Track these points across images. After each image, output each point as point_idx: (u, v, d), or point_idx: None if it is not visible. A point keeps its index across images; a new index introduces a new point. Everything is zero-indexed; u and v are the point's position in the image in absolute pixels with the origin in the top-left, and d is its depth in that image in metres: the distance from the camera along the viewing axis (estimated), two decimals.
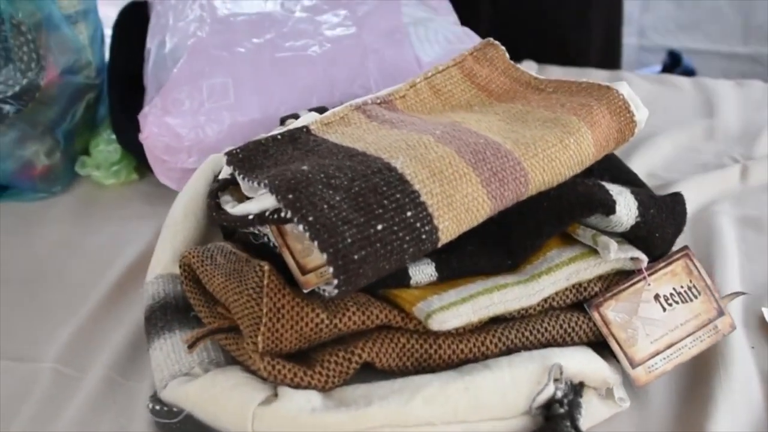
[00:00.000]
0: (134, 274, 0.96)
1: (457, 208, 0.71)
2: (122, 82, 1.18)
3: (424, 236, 0.70)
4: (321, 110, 0.95)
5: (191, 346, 0.76)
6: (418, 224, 0.69)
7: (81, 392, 0.82)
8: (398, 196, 0.70)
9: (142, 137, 1.03)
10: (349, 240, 0.67)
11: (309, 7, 1.13)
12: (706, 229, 1.02)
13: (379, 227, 0.68)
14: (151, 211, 1.08)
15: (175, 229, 0.89)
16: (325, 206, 0.69)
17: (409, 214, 0.69)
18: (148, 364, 0.84)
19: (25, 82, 1.04)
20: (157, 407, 0.76)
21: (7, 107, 1.04)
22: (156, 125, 1.03)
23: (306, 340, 0.73)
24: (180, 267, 0.83)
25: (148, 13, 1.27)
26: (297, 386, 0.72)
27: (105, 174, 1.14)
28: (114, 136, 1.15)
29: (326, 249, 0.66)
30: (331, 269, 0.66)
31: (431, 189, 0.71)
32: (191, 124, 1.03)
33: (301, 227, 0.68)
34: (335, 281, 0.67)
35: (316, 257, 0.74)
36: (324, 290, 0.73)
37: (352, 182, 0.71)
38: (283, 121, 0.96)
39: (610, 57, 1.82)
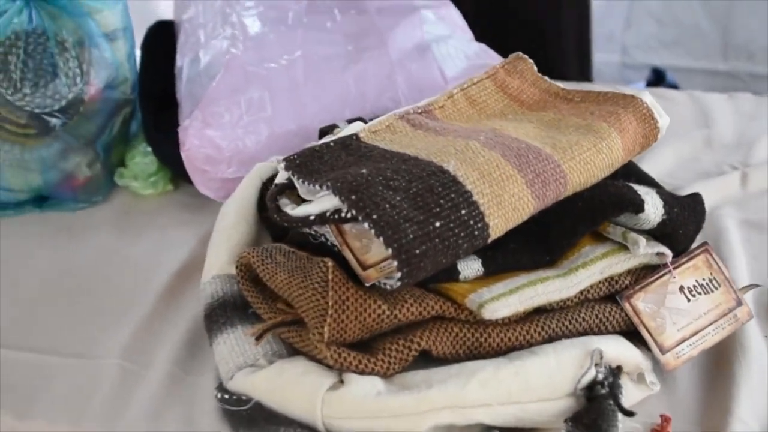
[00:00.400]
0: (182, 277, 1.02)
1: (505, 206, 0.78)
2: (152, 98, 1.23)
3: (476, 233, 0.76)
4: (357, 121, 1.01)
5: (258, 338, 0.82)
6: (472, 222, 0.76)
7: (146, 386, 0.87)
8: (453, 195, 0.76)
9: (184, 149, 1.09)
10: (411, 236, 0.73)
11: (336, 24, 1.20)
12: (712, 230, 1.09)
13: (437, 224, 0.74)
14: (189, 219, 1.14)
15: (228, 233, 0.94)
16: (387, 205, 0.75)
17: (463, 212, 0.76)
18: (206, 359, 0.90)
19: (70, 96, 1.10)
20: (226, 396, 0.82)
21: (53, 120, 1.10)
22: (197, 137, 1.08)
23: (368, 330, 0.79)
24: (237, 267, 0.88)
25: (173, 32, 1.33)
26: (361, 373, 0.78)
27: (143, 184, 1.19)
28: (149, 149, 1.20)
29: (391, 244, 0.73)
30: (395, 263, 0.73)
31: (482, 189, 0.77)
32: (231, 135, 1.09)
33: (366, 225, 0.74)
34: (398, 274, 0.73)
35: (374, 254, 0.80)
36: (385, 283, 0.79)
37: (409, 184, 0.77)
38: (323, 132, 1.02)
39: (583, 71, 1.88)
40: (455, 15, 1.30)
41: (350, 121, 1.01)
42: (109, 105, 1.16)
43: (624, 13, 2.45)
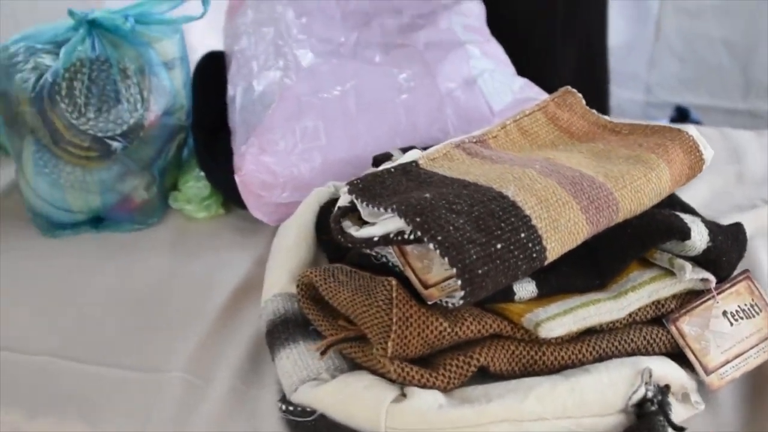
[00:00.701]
0: (239, 296, 1.06)
1: (562, 231, 0.82)
2: (204, 126, 1.28)
3: (534, 255, 0.80)
4: (408, 150, 1.05)
5: (323, 352, 0.86)
6: (530, 244, 0.80)
7: (209, 399, 0.91)
8: (513, 219, 0.80)
9: (240, 174, 1.13)
10: (474, 257, 0.77)
11: (385, 57, 1.25)
12: (747, 260, 1.12)
13: (498, 246, 0.78)
14: (241, 241, 1.18)
15: (289, 254, 0.99)
16: (451, 227, 0.79)
17: (522, 235, 0.80)
18: (266, 373, 0.94)
19: (131, 121, 1.14)
20: (290, 408, 0.85)
21: (115, 144, 1.14)
22: (253, 163, 1.13)
23: (429, 346, 0.83)
24: (298, 286, 0.92)
25: (222, 63, 1.38)
26: (423, 386, 0.82)
27: (196, 208, 1.24)
28: (202, 174, 1.25)
29: (455, 264, 0.77)
30: (459, 282, 0.77)
31: (540, 214, 0.81)
32: (285, 162, 1.13)
33: (431, 246, 0.78)
34: (462, 293, 0.77)
35: (435, 273, 0.84)
36: (446, 302, 0.83)
37: (471, 207, 0.81)
38: (377, 160, 1.06)
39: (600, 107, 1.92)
40: (499, 50, 1.35)
41: (404, 150, 1.05)
42: (166, 131, 1.20)
43: (648, 53, 2.50)
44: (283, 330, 0.92)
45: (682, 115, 2.33)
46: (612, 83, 1.95)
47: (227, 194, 1.23)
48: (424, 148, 0.98)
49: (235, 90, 1.27)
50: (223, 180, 1.21)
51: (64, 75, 1.13)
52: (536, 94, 1.24)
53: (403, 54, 1.25)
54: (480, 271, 0.77)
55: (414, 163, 0.93)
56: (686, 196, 1.21)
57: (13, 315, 1.05)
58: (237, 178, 1.14)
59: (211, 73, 1.36)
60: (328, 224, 0.97)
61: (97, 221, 1.23)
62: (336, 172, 1.11)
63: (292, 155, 1.13)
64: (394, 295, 0.82)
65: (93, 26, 1.17)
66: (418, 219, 0.80)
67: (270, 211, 1.15)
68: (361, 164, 1.10)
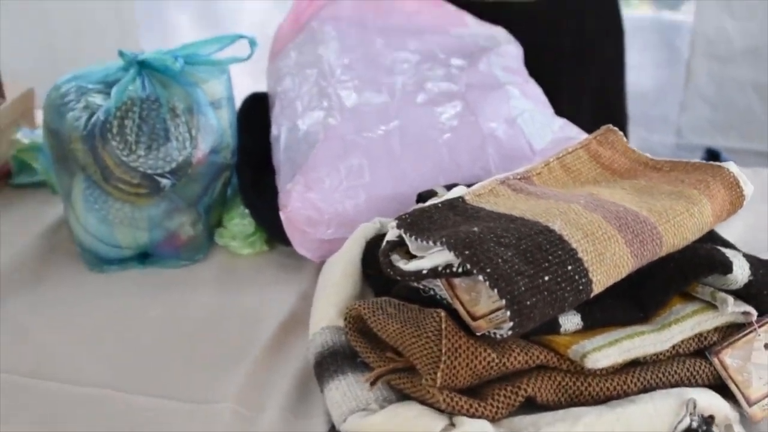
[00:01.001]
0: (285, 330, 1.09)
1: (607, 264, 0.84)
2: (248, 164, 1.31)
3: (581, 287, 0.82)
4: (451, 187, 1.07)
5: (373, 383, 0.88)
6: (577, 276, 0.82)
7: (259, 429, 0.93)
8: (560, 252, 0.83)
9: (286, 210, 1.16)
10: (523, 288, 0.79)
11: (427, 98, 1.27)
12: None
13: (546, 278, 0.81)
14: (286, 277, 1.21)
15: (336, 288, 1.01)
16: (500, 260, 0.81)
17: (569, 268, 0.82)
18: (313, 404, 0.96)
19: (180, 159, 1.17)
20: None
21: (164, 181, 1.17)
22: (299, 200, 1.15)
23: (477, 376, 0.84)
24: (345, 319, 0.94)
25: (264, 104, 1.42)
26: (471, 416, 0.84)
27: (241, 244, 1.26)
28: (246, 211, 1.27)
29: (504, 295, 0.79)
30: (508, 313, 0.79)
31: (586, 248, 0.83)
32: (331, 199, 1.15)
33: (480, 278, 0.80)
34: (510, 323, 0.79)
35: (483, 305, 0.86)
36: (494, 333, 0.85)
37: (519, 241, 0.84)
38: (421, 197, 1.08)
39: None
40: (537, 91, 1.37)
41: (447, 187, 1.08)
42: (212, 169, 1.23)
43: (678, 97, 2.53)
44: (331, 362, 0.94)
45: (713, 157, 2.34)
46: (642, 127, 1.97)
47: (271, 231, 1.25)
48: (468, 186, 1.01)
49: (279, 129, 1.30)
50: (267, 218, 1.23)
51: (115, 114, 1.16)
52: (576, 133, 1.26)
53: (445, 95, 1.28)
54: (528, 303, 0.79)
55: (460, 199, 0.95)
56: (723, 232, 1.23)
57: (64, 347, 1.08)
58: (282, 215, 1.16)
59: (255, 113, 1.40)
60: (374, 259, 1.00)
61: (143, 257, 1.25)
62: (380, 208, 1.14)
63: (336, 192, 1.16)
64: (443, 326, 0.84)
65: (143, 66, 1.20)
66: (467, 252, 0.82)
67: (314, 247, 1.17)
68: (405, 201, 1.13)
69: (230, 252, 1.28)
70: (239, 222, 1.27)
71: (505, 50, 1.42)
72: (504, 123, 1.24)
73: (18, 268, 1.24)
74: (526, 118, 1.26)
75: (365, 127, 1.21)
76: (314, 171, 1.17)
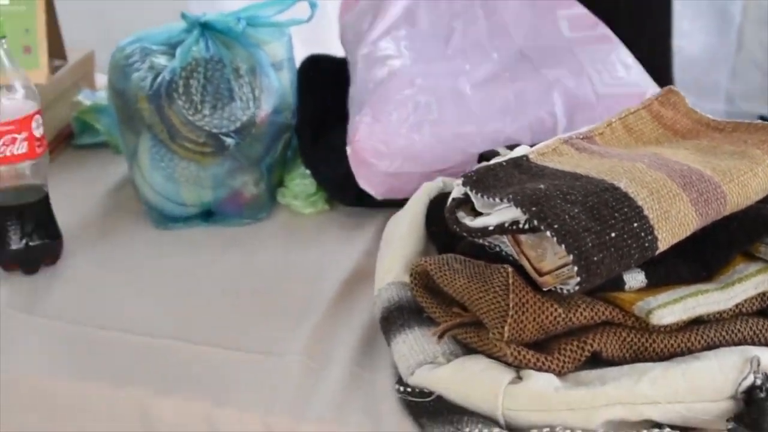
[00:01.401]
0: (349, 285, 1.11)
1: (672, 222, 0.85)
2: (308, 126, 1.33)
3: (646, 244, 0.83)
4: (513, 147, 1.09)
5: (440, 336, 0.90)
6: (643, 234, 0.83)
7: (327, 381, 0.95)
8: (626, 209, 0.84)
9: (354, 140, 1.18)
10: (590, 244, 0.81)
11: (493, 60, 1.29)
12: None
13: (613, 234, 0.82)
14: (347, 235, 1.23)
15: (401, 243, 1.03)
16: (567, 216, 0.82)
17: (635, 225, 0.83)
18: (379, 358, 0.98)
19: (244, 119, 1.20)
20: (409, 389, 0.89)
21: (228, 140, 1.19)
22: (366, 132, 1.18)
23: (544, 331, 0.86)
24: (411, 275, 0.96)
25: (322, 66, 1.44)
26: (538, 370, 0.85)
27: (303, 204, 1.29)
28: (307, 172, 1.30)
29: (572, 251, 0.80)
30: (575, 268, 0.80)
31: (651, 205, 0.84)
32: (397, 132, 1.18)
33: (548, 233, 0.82)
34: (577, 279, 0.81)
35: (549, 261, 0.87)
36: (561, 289, 0.86)
37: (585, 198, 0.85)
38: (482, 157, 1.09)
39: None
40: (607, 33, 1.37)
41: (509, 147, 1.09)
42: (274, 128, 1.25)
43: (730, 64, 2.51)
44: (398, 316, 0.96)
45: None
46: (693, 94, 1.95)
47: (332, 191, 1.28)
48: (531, 145, 1.02)
49: (354, 70, 1.33)
50: (327, 177, 1.27)
51: (180, 74, 1.18)
52: (641, 79, 1.27)
53: (511, 55, 1.29)
54: (595, 258, 0.80)
55: (525, 158, 0.96)
56: None
57: (135, 301, 1.11)
58: (348, 149, 1.19)
59: (313, 75, 1.41)
60: (437, 217, 1.02)
61: (207, 215, 1.28)
62: (445, 146, 1.17)
63: (403, 126, 1.18)
64: (510, 281, 0.86)
65: (205, 28, 1.22)
66: (534, 208, 0.84)
67: (378, 182, 1.20)
68: (470, 139, 1.17)
69: (291, 211, 1.30)
70: (300, 182, 1.30)
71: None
72: (570, 70, 1.24)
73: (84, 226, 1.28)
74: (592, 66, 1.26)
75: (435, 70, 1.24)
76: (382, 104, 1.20)
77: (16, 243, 1.15)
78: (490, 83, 1.24)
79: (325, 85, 1.40)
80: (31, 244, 1.16)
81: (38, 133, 1.13)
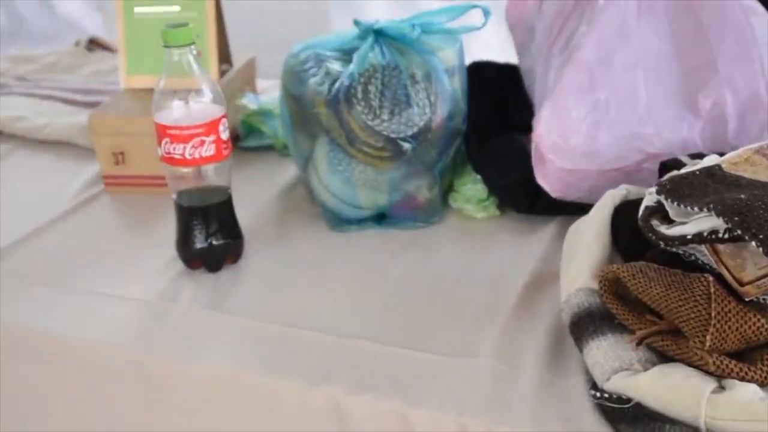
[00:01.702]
0: (530, 291, 1.13)
1: None
2: (476, 131, 1.35)
3: None
4: (695, 156, 1.09)
5: (639, 343, 0.91)
6: None
7: (520, 386, 0.97)
8: None
9: (535, 135, 1.20)
10: None
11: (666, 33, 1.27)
12: None
13: None
14: (522, 240, 1.25)
15: (588, 249, 1.03)
16: None
17: None
18: (570, 363, 0.99)
19: (421, 124, 1.22)
20: (606, 395, 0.90)
21: (405, 145, 1.22)
22: (547, 126, 1.19)
23: (746, 341, 0.86)
24: (600, 282, 0.97)
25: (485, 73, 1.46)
26: (741, 379, 0.86)
27: (476, 208, 1.31)
28: (478, 176, 1.32)
29: None
30: None
31: None
32: (576, 129, 1.18)
33: (753, 243, 0.82)
34: None
35: (750, 272, 0.88)
36: (764, 299, 0.87)
37: None
38: (665, 166, 1.09)
39: None
40: None
41: (691, 156, 1.09)
42: (447, 134, 1.27)
43: None
44: (589, 322, 0.97)
45: None
46: None
47: (502, 197, 1.30)
48: (721, 155, 1.02)
49: (533, 63, 1.35)
50: (497, 183, 1.29)
51: (359, 79, 1.21)
52: None
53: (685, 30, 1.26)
54: None
55: (717, 167, 0.96)
56: None
57: (317, 300, 1.14)
58: (533, 142, 1.21)
59: (478, 81, 1.43)
60: (622, 224, 1.03)
61: (380, 218, 1.31)
62: (623, 145, 1.18)
63: (582, 124, 1.19)
64: (712, 290, 0.86)
65: (379, 35, 1.25)
66: (736, 218, 0.84)
67: (555, 178, 1.20)
68: (647, 141, 1.18)
69: (462, 215, 1.32)
70: (472, 187, 1.32)
71: None
72: (743, 63, 1.22)
73: (260, 226, 1.32)
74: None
75: (611, 59, 1.22)
76: (561, 100, 1.20)
77: (200, 242, 1.20)
78: (667, 77, 1.23)
79: (490, 90, 1.42)
80: (215, 243, 1.20)
81: (224, 136, 1.17)
